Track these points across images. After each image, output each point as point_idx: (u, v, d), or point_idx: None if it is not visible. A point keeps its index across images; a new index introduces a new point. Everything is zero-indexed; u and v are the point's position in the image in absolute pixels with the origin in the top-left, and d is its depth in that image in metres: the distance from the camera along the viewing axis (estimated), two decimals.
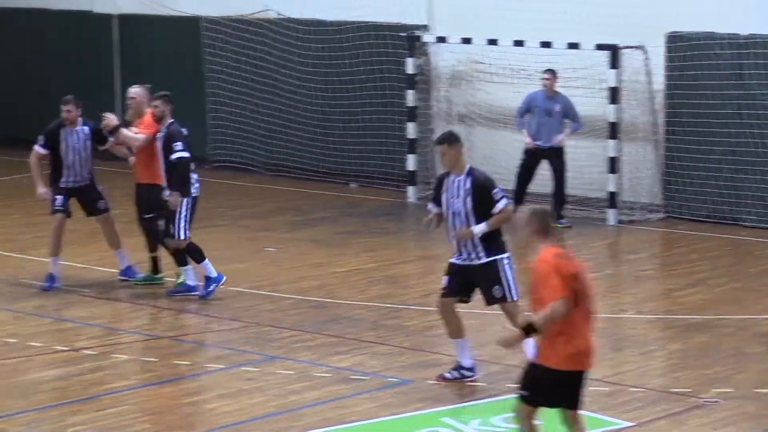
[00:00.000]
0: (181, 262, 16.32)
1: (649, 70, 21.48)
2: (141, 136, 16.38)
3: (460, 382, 12.94)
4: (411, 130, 23.17)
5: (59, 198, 16.80)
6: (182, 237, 16.06)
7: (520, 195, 20.53)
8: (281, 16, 24.78)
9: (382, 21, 23.64)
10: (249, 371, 13.55)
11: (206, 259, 16.22)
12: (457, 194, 13.11)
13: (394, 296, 16.45)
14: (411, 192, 23.03)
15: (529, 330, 9.72)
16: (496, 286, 12.69)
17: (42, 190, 16.85)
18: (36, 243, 17.90)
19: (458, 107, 23.36)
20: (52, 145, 16.79)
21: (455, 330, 13.04)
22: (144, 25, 26.49)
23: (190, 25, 25.61)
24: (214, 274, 16.24)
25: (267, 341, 14.59)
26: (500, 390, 12.62)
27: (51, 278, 16.75)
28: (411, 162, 23.14)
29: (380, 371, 13.48)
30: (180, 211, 16.02)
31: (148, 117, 16.51)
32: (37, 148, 16.90)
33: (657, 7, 21.04)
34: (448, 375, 13.09)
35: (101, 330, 15.25)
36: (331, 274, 17.71)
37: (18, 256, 18.23)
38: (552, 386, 9.84)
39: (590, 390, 12.85)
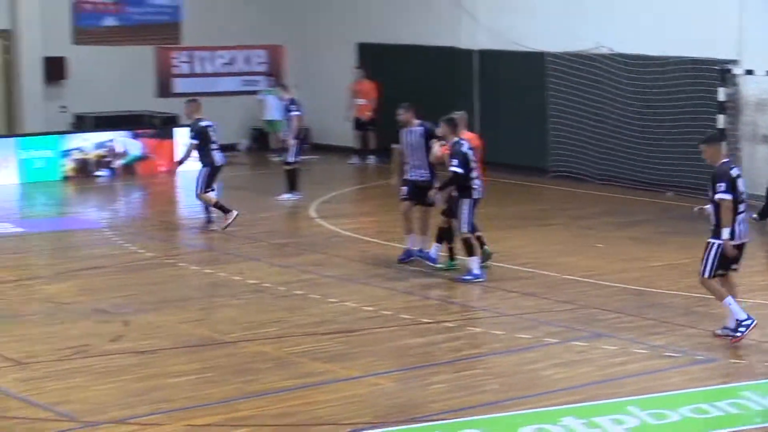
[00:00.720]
0: (469, 253, 16.46)
1: None
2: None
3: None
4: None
5: (404, 188, 17.33)
6: (464, 230, 16.30)
7: None
8: (612, 52, 24.60)
9: (698, 56, 23.21)
10: (579, 345, 13.49)
11: (475, 255, 16.43)
12: None
13: (703, 288, 16.14)
14: None
15: None
16: None
17: (393, 179, 18.20)
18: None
19: (762, 129, 22.75)
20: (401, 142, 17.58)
21: None
22: (498, 59, 26.66)
23: (536, 59, 25.66)
24: (478, 270, 16.42)
25: (594, 321, 14.49)
26: None
27: (407, 253, 17.30)
28: None
29: (689, 350, 13.25)
30: (462, 211, 16.26)
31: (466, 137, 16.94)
32: (394, 146, 17.96)
33: None
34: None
35: (458, 307, 15.43)
36: (649, 267, 17.46)
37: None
38: None
39: None
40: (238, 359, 12.87)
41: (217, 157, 20.11)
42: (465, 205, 16.31)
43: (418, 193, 17.10)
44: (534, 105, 25.71)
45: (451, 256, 17.14)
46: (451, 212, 16.65)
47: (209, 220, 20.04)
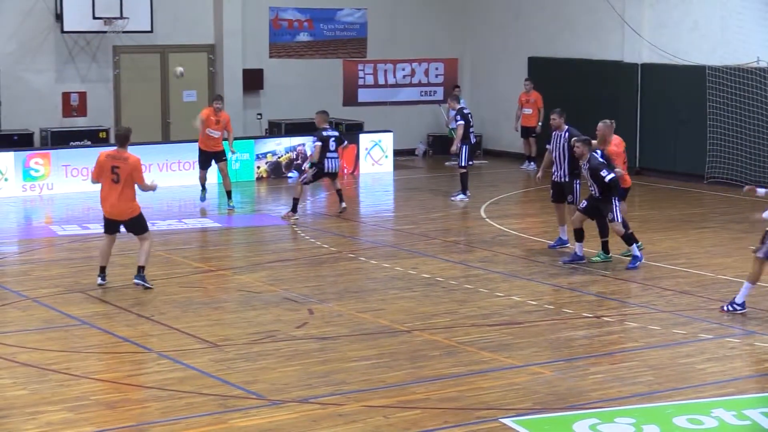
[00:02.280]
0: (629, 242, 16.81)
1: None
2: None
3: None
4: None
5: (551, 191, 18.10)
6: (619, 220, 16.62)
7: None
8: None
9: None
10: (732, 341, 13.20)
11: (635, 243, 16.79)
12: None
13: None
14: None
15: None
16: None
17: (538, 175, 18.81)
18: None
19: None
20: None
21: None
22: (660, 72, 26.23)
23: (697, 72, 25.17)
24: (638, 253, 16.79)
25: (747, 319, 14.11)
26: None
27: (560, 240, 18.10)
28: None
29: None
30: (615, 205, 16.64)
31: (611, 142, 17.19)
32: (548, 146, 18.16)
33: None
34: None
35: (617, 303, 15.21)
36: None
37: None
38: None
39: None
40: (411, 347, 12.92)
41: (328, 163, 20.95)
42: (615, 200, 16.69)
43: (558, 192, 17.93)
44: (693, 115, 25.23)
45: (606, 250, 17.26)
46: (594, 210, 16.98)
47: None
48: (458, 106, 23.38)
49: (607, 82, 27.14)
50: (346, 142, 20.69)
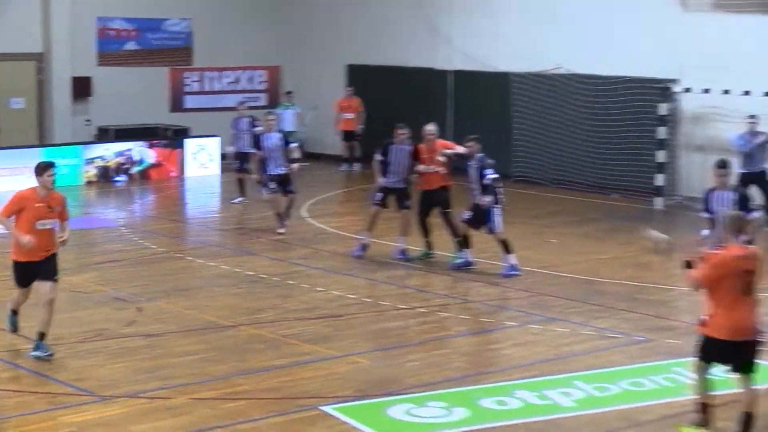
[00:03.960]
0: (506, 250, 16.29)
1: None
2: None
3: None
4: (660, 156, 22.75)
5: (378, 194, 17.31)
6: (500, 230, 16.25)
7: None
8: (569, 72, 24.66)
9: (643, 76, 23.28)
10: (534, 328, 13.56)
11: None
12: (725, 204, 12.81)
13: (642, 277, 16.21)
14: (658, 202, 22.62)
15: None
16: None
17: (379, 181, 17.38)
18: (387, 231, 18.13)
19: (697, 140, 22.80)
20: (385, 154, 17.29)
21: None
22: (470, 78, 26.71)
23: (502, 78, 25.71)
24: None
25: (548, 307, 14.56)
26: None
27: (362, 247, 17.36)
28: (659, 179, 22.73)
29: (630, 332, 13.34)
30: (495, 213, 16.19)
31: (437, 146, 17.01)
32: (377, 156, 17.47)
33: None
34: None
35: (431, 295, 15.45)
36: (596, 259, 17.54)
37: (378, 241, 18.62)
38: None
39: None
40: (237, 341, 12.92)
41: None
42: (496, 209, 16.30)
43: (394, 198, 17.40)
44: (500, 119, 25.75)
45: (429, 247, 17.28)
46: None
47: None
48: (250, 116, 23.11)
49: (421, 88, 27.49)
50: (291, 145, 19.55)
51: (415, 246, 17.45)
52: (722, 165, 13.09)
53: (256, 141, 19.70)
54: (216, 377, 11.53)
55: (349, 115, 27.92)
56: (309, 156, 29.43)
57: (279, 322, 13.73)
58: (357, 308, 14.47)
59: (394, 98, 27.46)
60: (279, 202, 19.32)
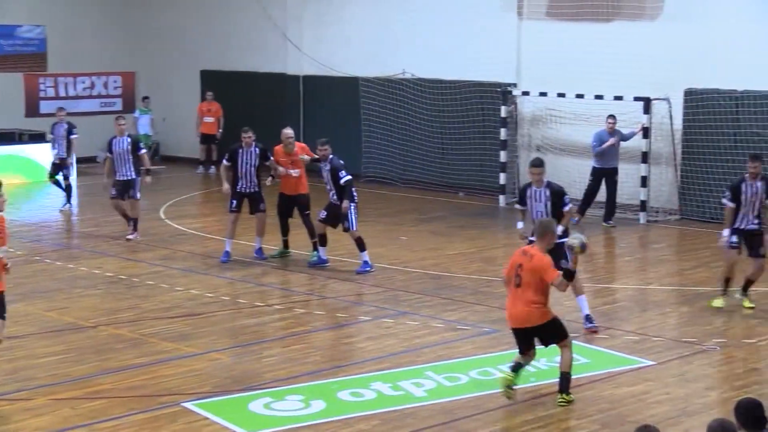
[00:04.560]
0: (361, 248, 16.30)
1: (671, 116, 21.21)
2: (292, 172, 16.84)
3: None
4: (503, 156, 23.10)
5: (233, 201, 16.94)
6: (355, 229, 16.17)
7: (587, 203, 20.48)
8: (414, 77, 24.85)
9: (484, 80, 23.62)
10: (387, 322, 13.62)
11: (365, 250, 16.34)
12: (540, 200, 13.09)
13: (488, 271, 16.44)
14: (501, 199, 22.97)
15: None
16: (563, 260, 12.21)
17: (225, 186, 17.16)
18: (244, 232, 18.01)
19: (536, 140, 23.24)
20: (232, 159, 16.94)
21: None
22: (320, 83, 26.71)
23: (352, 82, 25.78)
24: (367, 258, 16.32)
25: (400, 301, 14.64)
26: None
27: (226, 254, 16.95)
28: (502, 178, 23.08)
29: (477, 323, 13.50)
30: (351, 213, 16.12)
31: (297, 149, 16.90)
32: (224, 162, 17.16)
33: (678, 70, 20.78)
34: None
35: (288, 292, 15.40)
36: (444, 255, 17.73)
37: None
38: None
39: (623, 339, 12.83)
40: (97, 341, 12.65)
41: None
42: (351, 209, 16.18)
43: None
44: (350, 122, 25.82)
45: (286, 246, 17.22)
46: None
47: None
48: (62, 120, 22.42)
49: (273, 93, 27.37)
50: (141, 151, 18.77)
51: (273, 245, 17.36)
52: (536, 164, 13.35)
53: (108, 144, 19.10)
54: (77, 377, 11.26)
55: (210, 119, 27.65)
56: (166, 159, 29.16)
57: (139, 322, 13.50)
58: (216, 306, 14.32)
59: (246, 103, 27.28)
60: (121, 207, 18.90)
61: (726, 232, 14.12)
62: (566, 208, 13.11)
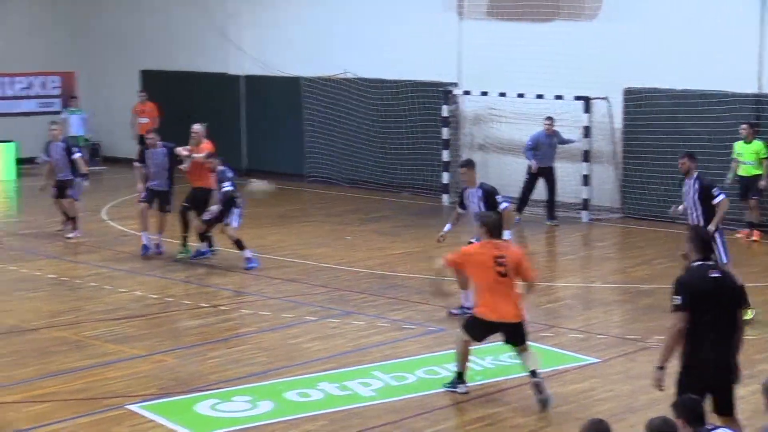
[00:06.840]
0: (240, 247, 16.37)
1: (611, 115, 21.36)
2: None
3: None
4: (445, 155, 23.13)
5: (144, 194, 17.24)
6: (234, 227, 16.37)
7: (524, 202, 20.53)
8: (356, 76, 24.81)
9: (426, 79, 23.64)
10: (333, 322, 13.59)
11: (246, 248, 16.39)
12: (474, 201, 13.19)
13: (433, 270, 16.40)
14: (445, 198, 22.97)
15: None
16: None
17: (139, 186, 17.38)
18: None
19: (478, 140, 23.30)
20: (143, 161, 17.30)
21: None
22: (262, 83, 26.58)
23: (293, 82, 25.67)
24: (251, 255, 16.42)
25: (345, 301, 14.61)
26: None
27: (144, 247, 17.15)
28: (445, 177, 23.10)
29: (423, 323, 13.50)
30: (233, 213, 16.33)
31: (204, 145, 16.91)
32: (135, 164, 17.55)
33: (617, 70, 20.93)
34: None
35: (231, 293, 15.32)
36: (390, 255, 17.70)
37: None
38: None
39: (568, 336, 12.90)
40: (39, 344, 12.49)
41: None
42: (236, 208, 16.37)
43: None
44: (292, 121, 25.72)
45: (185, 244, 17.09)
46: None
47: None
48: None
49: (214, 93, 27.17)
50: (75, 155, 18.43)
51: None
52: (462, 164, 13.50)
53: (47, 149, 18.99)
54: (20, 381, 11.10)
55: (144, 120, 27.39)
56: (107, 160, 28.84)
57: (82, 324, 13.35)
58: (159, 308, 14.20)
59: (187, 103, 27.05)
60: (63, 205, 18.75)
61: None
62: (503, 207, 13.19)
